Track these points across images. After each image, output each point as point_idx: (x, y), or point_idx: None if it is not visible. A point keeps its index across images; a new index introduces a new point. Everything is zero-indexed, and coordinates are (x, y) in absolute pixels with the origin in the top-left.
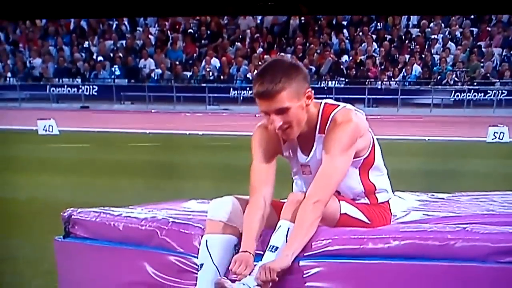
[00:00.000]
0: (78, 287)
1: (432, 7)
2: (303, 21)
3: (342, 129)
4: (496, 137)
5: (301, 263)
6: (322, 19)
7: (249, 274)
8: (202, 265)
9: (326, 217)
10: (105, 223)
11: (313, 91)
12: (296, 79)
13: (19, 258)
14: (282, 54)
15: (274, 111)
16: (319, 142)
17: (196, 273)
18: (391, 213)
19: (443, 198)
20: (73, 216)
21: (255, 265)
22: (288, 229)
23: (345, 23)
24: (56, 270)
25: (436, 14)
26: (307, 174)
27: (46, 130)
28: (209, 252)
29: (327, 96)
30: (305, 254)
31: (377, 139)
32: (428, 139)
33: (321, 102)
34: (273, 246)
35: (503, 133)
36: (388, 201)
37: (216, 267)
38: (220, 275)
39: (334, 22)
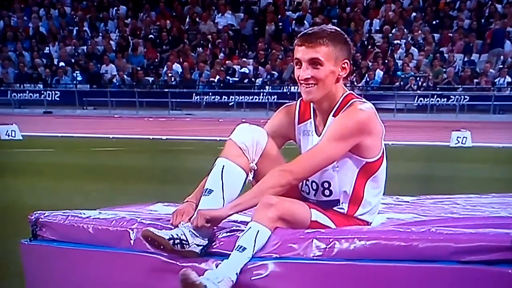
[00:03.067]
0: None
1: None
2: (268, 29)
3: (351, 116)
4: (459, 142)
5: (260, 263)
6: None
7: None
8: (210, 191)
9: (297, 223)
10: (74, 225)
11: (350, 67)
12: (340, 46)
13: None
14: (244, 59)
15: (308, 60)
16: (330, 124)
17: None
18: None
19: (407, 201)
20: (40, 219)
21: (221, 260)
22: (258, 231)
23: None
24: (23, 272)
25: None
26: None
27: (8, 135)
28: (222, 181)
29: (290, 101)
30: (263, 255)
31: None
32: (392, 144)
33: (348, 90)
34: (241, 246)
35: (466, 138)
36: (364, 220)
37: (223, 200)
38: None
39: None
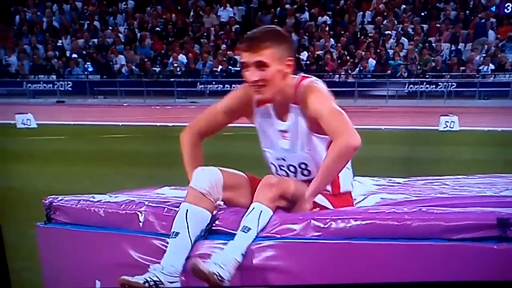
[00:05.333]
0: (60, 270)
1: None
2: (288, 21)
3: (318, 90)
4: (447, 126)
5: (262, 243)
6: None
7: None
8: (177, 233)
9: (296, 201)
10: (86, 209)
11: (294, 63)
12: (283, 45)
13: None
14: None
15: (254, 63)
16: (295, 112)
17: None
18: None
19: (399, 183)
20: (54, 203)
21: (225, 243)
22: (261, 211)
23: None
24: (35, 254)
25: None
26: (287, 139)
27: (24, 124)
28: (187, 223)
29: None
30: (265, 235)
31: None
32: (385, 128)
33: (296, 76)
34: (246, 227)
35: (454, 122)
36: (350, 192)
37: (190, 240)
38: (191, 248)
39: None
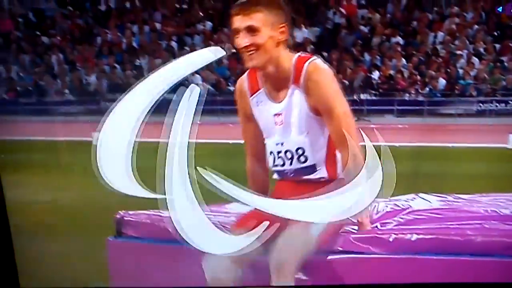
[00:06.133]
0: (129, 283)
1: None
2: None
3: (325, 76)
4: None
5: (331, 258)
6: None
7: None
8: None
9: (306, 254)
10: (155, 224)
11: (288, 31)
12: (275, 11)
13: (71, 253)
14: None
15: (245, 28)
16: (292, 92)
17: None
18: None
19: (464, 199)
20: (125, 218)
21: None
22: None
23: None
24: (108, 266)
25: None
26: (279, 125)
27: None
28: None
29: (360, 107)
30: (333, 251)
31: (404, 146)
32: (453, 146)
33: (296, 54)
34: None
35: None
36: None
37: None
38: None
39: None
